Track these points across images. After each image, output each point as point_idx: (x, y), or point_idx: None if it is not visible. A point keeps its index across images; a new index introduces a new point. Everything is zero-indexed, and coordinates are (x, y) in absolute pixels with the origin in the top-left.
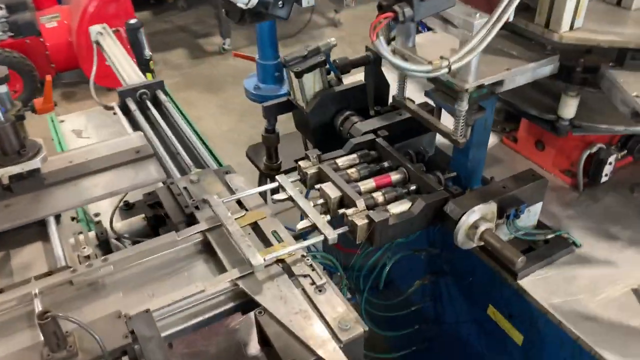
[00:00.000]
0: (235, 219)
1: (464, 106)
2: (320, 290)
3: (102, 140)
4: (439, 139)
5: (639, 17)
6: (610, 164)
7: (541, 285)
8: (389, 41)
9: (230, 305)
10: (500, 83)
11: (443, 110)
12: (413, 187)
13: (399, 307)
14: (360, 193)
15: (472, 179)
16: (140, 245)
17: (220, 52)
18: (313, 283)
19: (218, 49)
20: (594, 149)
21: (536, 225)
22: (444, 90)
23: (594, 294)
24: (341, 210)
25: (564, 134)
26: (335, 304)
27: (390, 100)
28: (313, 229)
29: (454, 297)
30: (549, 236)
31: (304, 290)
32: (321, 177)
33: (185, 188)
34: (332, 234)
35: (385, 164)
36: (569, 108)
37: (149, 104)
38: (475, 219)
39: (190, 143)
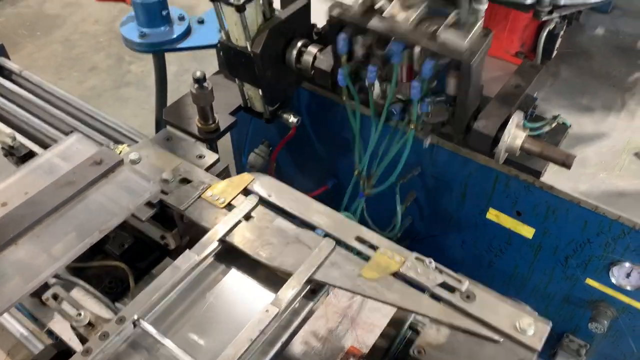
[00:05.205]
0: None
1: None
2: (468, 297)
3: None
4: None
5: None
6: (560, 37)
7: (561, 176)
8: None
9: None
10: None
11: None
12: None
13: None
14: None
15: None
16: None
17: None
18: (453, 290)
19: None
20: (552, 25)
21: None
22: None
23: (609, 170)
24: None
25: (543, 16)
26: (496, 306)
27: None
28: None
29: (442, 211)
30: (553, 125)
31: (450, 304)
32: None
33: None
34: None
35: None
36: None
37: None
38: (514, 131)
39: (87, 115)
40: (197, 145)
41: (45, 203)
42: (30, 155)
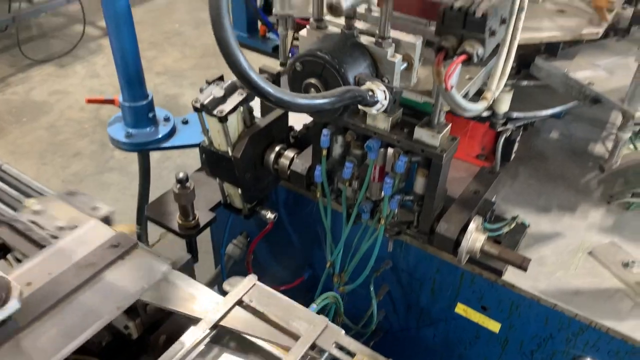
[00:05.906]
0: None
1: None
2: None
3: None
4: None
5: (550, 9)
6: (517, 142)
7: (521, 274)
8: None
9: None
10: None
11: None
12: None
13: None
14: None
15: None
16: None
17: None
18: None
19: None
20: (509, 132)
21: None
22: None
23: (566, 269)
24: None
25: (498, 127)
26: None
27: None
28: None
29: (414, 305)
30: (512, 225)
31: None
32: None
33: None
34: None
35: None
36: (504, 103)
37: None
38: (474, 235)
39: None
40: None
41: (67, 283)
42: (4, 246)
